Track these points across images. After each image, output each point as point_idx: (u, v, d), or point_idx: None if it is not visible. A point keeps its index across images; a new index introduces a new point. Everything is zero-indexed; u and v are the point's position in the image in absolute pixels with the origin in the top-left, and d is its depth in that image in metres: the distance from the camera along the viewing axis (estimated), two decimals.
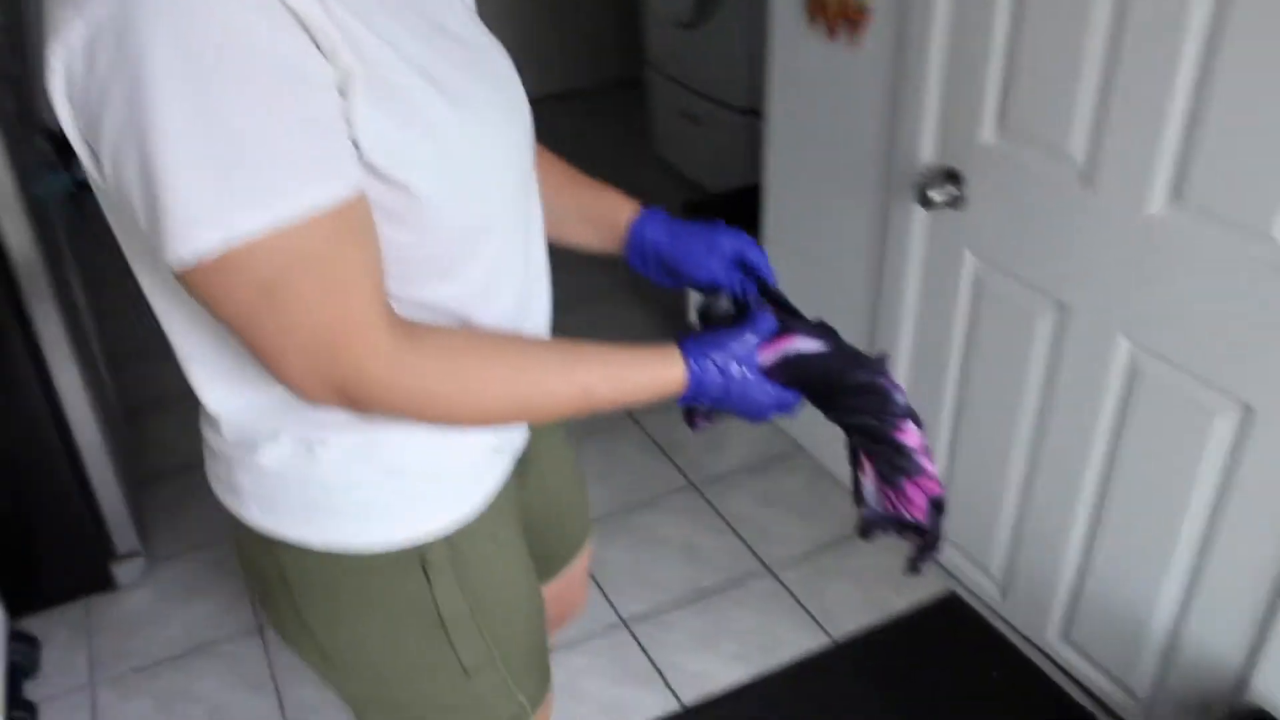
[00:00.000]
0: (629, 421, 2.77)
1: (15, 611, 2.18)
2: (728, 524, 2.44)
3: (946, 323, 2.01)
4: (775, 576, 2.30)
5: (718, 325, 1.03)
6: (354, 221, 0.76)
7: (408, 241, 0.84)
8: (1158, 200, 1.53)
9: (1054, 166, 1.68)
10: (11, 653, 2.08)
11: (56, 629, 2.26)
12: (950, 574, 2.22)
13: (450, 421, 0.88)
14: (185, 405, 1.02)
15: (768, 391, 0.96)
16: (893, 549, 1.19)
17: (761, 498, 2.51)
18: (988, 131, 1.79)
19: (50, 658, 2.20)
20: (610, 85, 4.97)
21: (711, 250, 1.11)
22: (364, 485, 0.96)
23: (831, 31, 2.12)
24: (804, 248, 2.44)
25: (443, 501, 1.00)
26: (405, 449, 0.95)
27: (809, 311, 1.06)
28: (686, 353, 0.94)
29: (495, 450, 1.04)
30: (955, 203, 1.87)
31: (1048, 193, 1.71)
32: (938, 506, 0.98)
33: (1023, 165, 1.74)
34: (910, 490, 0.97)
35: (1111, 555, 1.80)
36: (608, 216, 1.16)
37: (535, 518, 1.21)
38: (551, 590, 1.32)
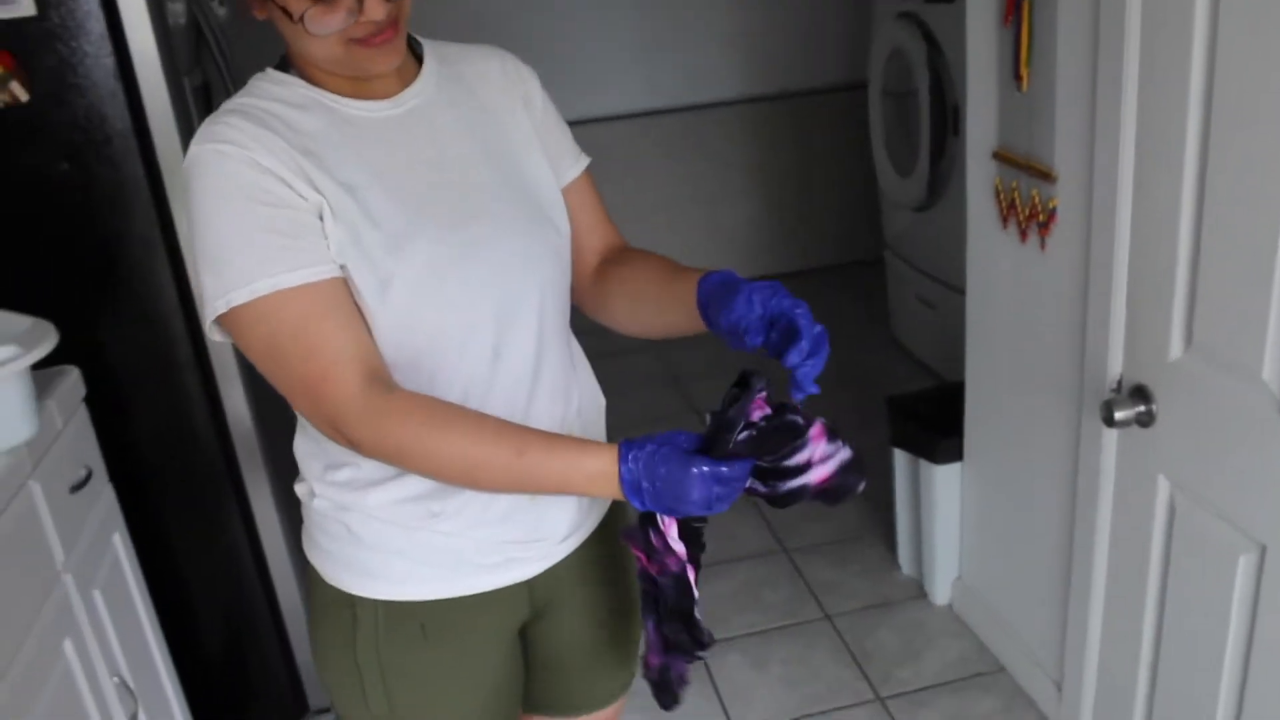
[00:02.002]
0: (825, 625, 2.66)
1: None
2: None
3: (1142, 551, 1.82)
4: None
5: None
6: (324, 300, 1.04)
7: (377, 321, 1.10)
8: None
9: (1246, 391, 1.52)
10: None
11: None
12: None
13: (417, 469, 1.06)
14: None
15: (694, 476, 0.98)
16: None
17: (953, 719, 2.32)
18: (1176, 347, 1.65)
19: None
20: (852, 265, 4.96)
21: (747, 301, 1.10)
22: (331, 534, 1.22)
23: (1024, 234, 2.04)
24: (1002, 453, 2.31)
25: (376, 573, 1.21)
26: (365, 523, 1.19)
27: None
28: (624, 446, 1.01)
29: (458, 561, 1.21)
30: (1145, 420, 1.72)
31: (1241, 419, 1.54)
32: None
33: (1213, 387, 1.59)
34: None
35: None
36: (690, 290, 1.18)
37: (550, 658, 1.38)
38: None
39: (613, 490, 1.01)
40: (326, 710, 2.45)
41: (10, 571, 1.48)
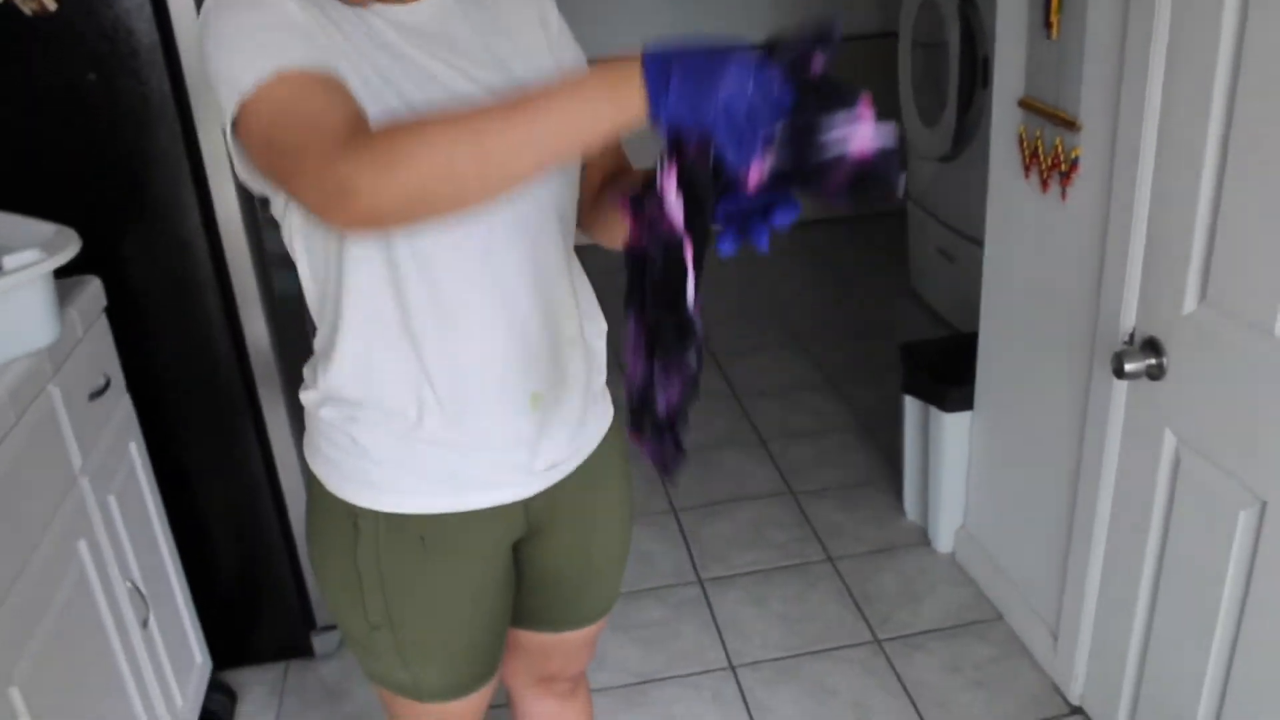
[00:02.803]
0: (827, 567, 2.70)
1: (220, 664, 2.37)
2: (904, 688, 2.30)
3: (1145, 505, 1.84)
4: None
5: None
6: (311, 85, 0.99)
7: None
8: None
9: (1258, 346, 1.52)
10: (210, 701, 2.26)
11: (254, 686, 2.44)
12: None
13: (426, 168, 0.90)
14: None
15: (733, 58, 0.85)
16: None
17: (948, 664, 2.35)
18: (1190, 300, 1.65)
19: (244, 711, 2.37)
20: (874, 216, 4.94)
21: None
22: (337, 444, 1.24)
23: (1045, 184, 2.03)
24: (1012, 403, 2.32)
25: (379, 485, 1.23)
26: (370, 434, 1.21)
27: None
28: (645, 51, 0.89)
29: (454, 480, 1.23)
30: (1155, 373, 1.73)
31: (1251, 374, 1.55)
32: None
33: (1225, 341, 1.59)
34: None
35: None
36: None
37: (543, 573, 1.41)
38: (544, 642, 1.51)
39: (634, 81, 0.86)
40: (333, 627, 2.50)
41: (29, 472, 1.52)
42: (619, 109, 0.87)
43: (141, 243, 2.04)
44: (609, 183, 1.30)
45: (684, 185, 0.90)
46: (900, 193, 0.89)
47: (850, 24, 4.76)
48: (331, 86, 1.01)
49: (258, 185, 1.13)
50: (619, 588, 1.51)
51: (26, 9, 1.89)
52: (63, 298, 1.69)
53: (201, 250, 2.07)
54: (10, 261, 1.48)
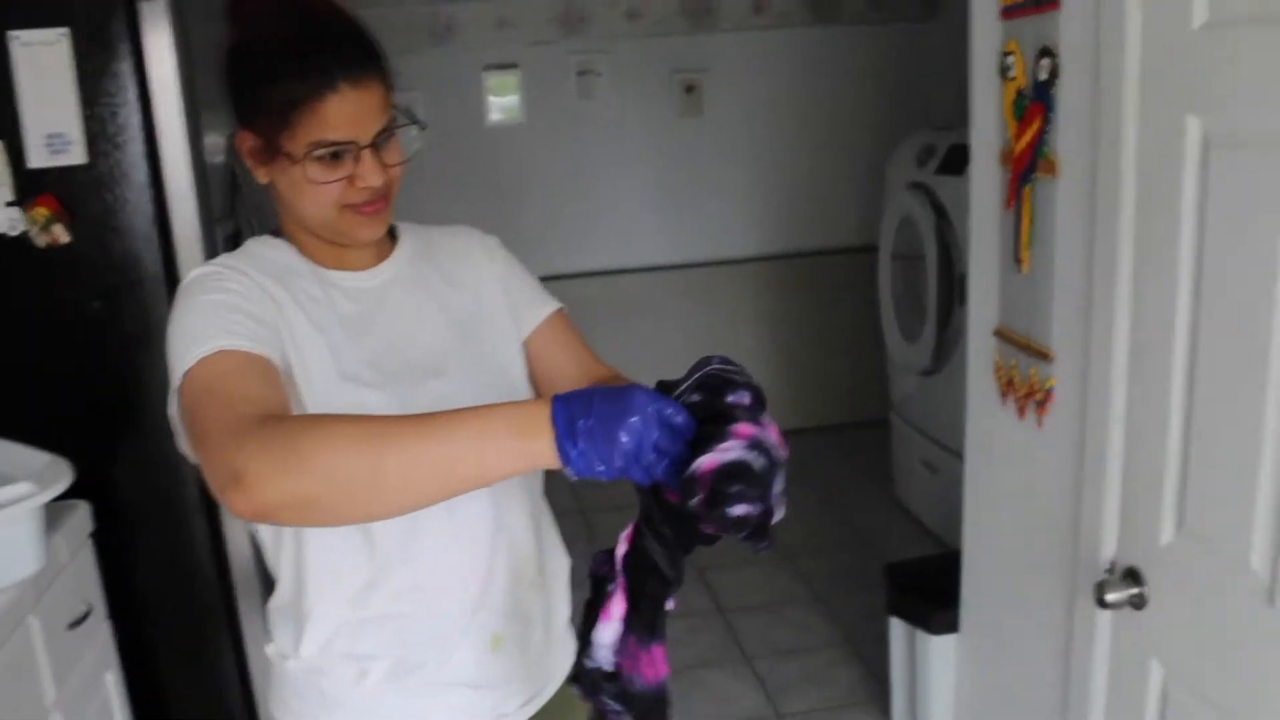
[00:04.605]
0: None
1: None
2: None
3: None
4: None
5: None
6: (259, 367, 1.05)
7: None
8: None
9: (1235, 578, 1.53)
10: None
11: None
12: None
13: (315, 467, 0.89)
14: None
15: (636, 397, 0.88)
16: None
17: None
18: (1167, 531, 1.67)
19: None
20: (858, 425, 5.00)
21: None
22: (305, 697, 1.23)
23: (1021, 411, 2.08)
24: (998, 626, 2.30)
25: None
26: (338, 687, 1.20)
27: None
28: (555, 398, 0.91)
29: None
30: (1138, 603, 1.73)
31: (1230, 606, 1.55)
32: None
33: (1203, 573, 1.60)
34: None
35: None
36: None
37: None
38: None
39: (541, 428, 0.88)
40: None
41: None
42: (524, 454, 0.89)
43: (131, 465, 2.07)
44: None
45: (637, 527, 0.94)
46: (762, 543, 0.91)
47: (833, 238, 4.97)
48: (266, 373, 1.06)
49: (193, 459, 1.12)
50: None
51: (41, 241, 1.97)
52: (50, 524, 1.70)
53: (189, 471, 2.08)
54: (2, 494, 1.49)
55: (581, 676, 0.96)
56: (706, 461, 0.87)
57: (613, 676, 0.95)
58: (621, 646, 0.94)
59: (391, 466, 0.88)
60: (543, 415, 0.88)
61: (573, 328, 1.37)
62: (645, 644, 0.94)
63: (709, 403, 0.91)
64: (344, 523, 1.05)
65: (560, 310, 1.37)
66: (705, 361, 0.95)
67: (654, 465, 0.88)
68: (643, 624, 0.94)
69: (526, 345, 1.33)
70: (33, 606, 1.60)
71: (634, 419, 0.86)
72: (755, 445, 0.88)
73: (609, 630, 0.94)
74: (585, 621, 0.96)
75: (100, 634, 1.88)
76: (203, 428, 0.99)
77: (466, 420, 0.90)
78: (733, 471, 0.87)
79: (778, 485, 0.90)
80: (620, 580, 0.94)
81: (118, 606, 1.98)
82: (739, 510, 0.87)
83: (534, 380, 1.34)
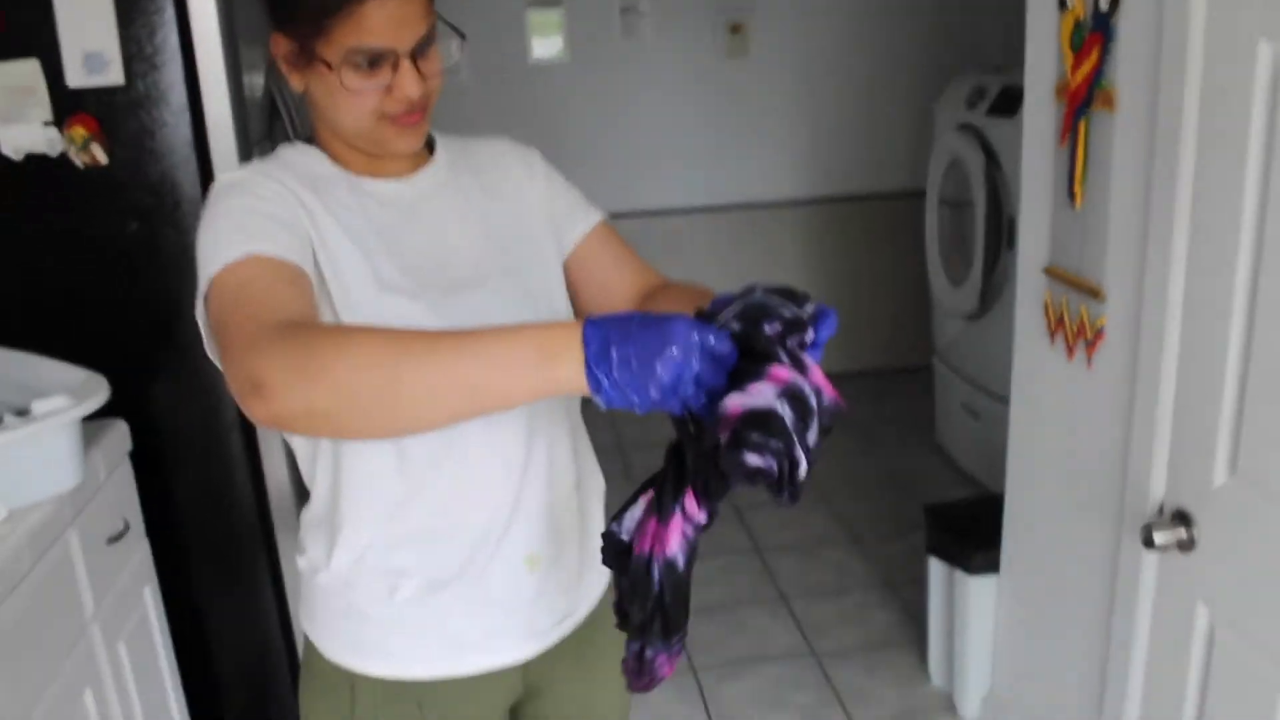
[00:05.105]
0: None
1: None
2: None
3: (1179, 681, 1.77)
4: None
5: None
6: (274, 274, 1.02)
7: None
8: None
9: None
10: None
11: None
12: None
13: (333, 380, 0.87)
14: None
15: (677, 327, 0.84)
16: None
17: None
18: (1220, 474, 1.63)
19: None
20: (901, 371, 4.95)
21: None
22: (335, 610, 1.23)
23: (1070, 351, 2.03)
24: (1039, 568, 2.27)
25: (377, 651, 1.22)
26: (368, 600, 1.20)
27: None
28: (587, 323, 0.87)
29: (453, 644, 1.22)
30: (1186, 546, 1.69)
31: None
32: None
33: (1257, 516, 1.56)
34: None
35: None
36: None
37: None
38: None
39: (571, 353, 0.84)
40: None
41: (40, 619, 1.51)
42: (550, 379, 0.85)
43: (169, 386, 2.07)
44: (650, 300, 1.28)
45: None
46: (790, 476, 0.85)
47: (878, 182, 4.89)
48: (295, 280, 1.03)
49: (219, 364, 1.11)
50: None
51: (80, 161, 1.96)
52: (88, 441, 1.71)
53: (226, 391, 2.08)
54: (39, 407, 1.50)
55: (603, 541, 0.96)
56: (733, 403, 0.83)
57: (627, 549, 0.93)
58: (641, 522, 0.93)
59: (407, 383, 0.86)
60: (574, 339, 0.84)
61: (619, 237, 1.35)
62: (664, 522, 0.91)
63: (750, 333, 0.87)
64: (362, 437, 1.03)
65: (605, 220, 1.34)
66: (751, 290, 0.91)
67: (692, 398, 0.84)
68: (663, 505, 0.91)
69: (574, 256, 1.31)
70: (72, 520, 1.61)
71: (673, 349, 0.82)
72: (789, 392, 0.84)
73: (635, 510, 0.94)
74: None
75: (139, 550, 1.90)
76: (228, 333, 0.97)
77: (492, 339, 0.87)
78: (757, 419, 0.82)
79: (811, 436, 0.84)
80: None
81: (156, 525, 1.99)
82: (753, 460, 0.82)
83: (585, 292, 1.31)
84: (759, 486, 0.85)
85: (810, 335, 0.90)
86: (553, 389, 0.86)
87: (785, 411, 0.83)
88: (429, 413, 0.88)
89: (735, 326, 0.87)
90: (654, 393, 0.83)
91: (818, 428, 0.86)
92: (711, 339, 0.84)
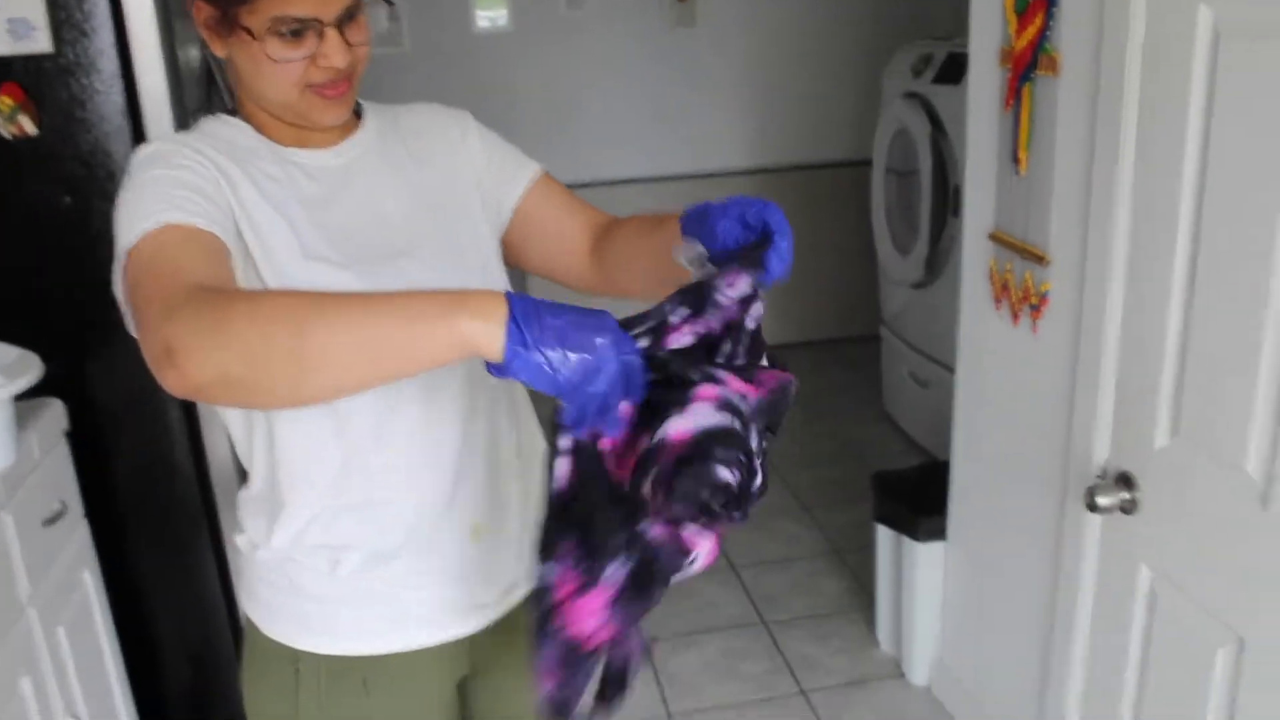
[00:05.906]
0: (801, 700, 2.63)
1: None
2: None
3: (1122, 640, 1.80)
4: None
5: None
6: (190, 242, 0.99)
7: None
8: None
9: (1230, 482, 1.51)
10: None
11: None
12: None
13: (243, 340, 0.84)
14: None
15: (603, 320, 0.82)
16: None
17: None
18: (1162, 435, 1.65)
19: None
20: (848, 340, 4.97)
21: (727, 218, 1.05)
22: (277, 586, 1.21)
23: (1015, 316, 2.05)
24: (985, 534, 2.30)
25: (320, 627, 1.20)
26: (308, 575, 1.18)
27: None
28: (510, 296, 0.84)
29: (398, 618, 1.20)
30: (1129, 508, 1.71)
31: (1224, 509, 1.53)
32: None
33: (1198, 476, 1.58)
34: None
35: None
36: (675, 229, 1.13)
37: (486, 713, 1.37)
38: None
39: (489, 310, 0.81)
40: None
41: None
42: (459, 336, 0.82)
43: (107, 364, 2.02)
44: (607, 237, 1.28)
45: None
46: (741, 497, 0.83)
47: (826, 152, 4.90)
48: (212, 250, 1.00)
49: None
50: None
51: (6, 132, 1.90)
52: (21, 421, 1.66)
53: None
54: None
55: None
56: (677, 428, 0.79)
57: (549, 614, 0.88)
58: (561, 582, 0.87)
59: (313, 344, 0.83)
60: (495, 297, 0.82)
61: (561, 185, 1.34)
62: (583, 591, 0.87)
63: (663, 359, 0.84)
64: (276, 404, 1.00)
65: (544, 171, 1.33)
66: (705, 210, 0.92)
67: (601, 397, 0.81)
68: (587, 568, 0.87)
69: (521, 210, 1.29)
70: (4, 502, 1.57)
71: (603, 340, 0.81)
72: (724, 406, 0.81)
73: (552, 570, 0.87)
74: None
75: (78, 532, 1.85)
76: (141, 302, 0.94)
77: (404, 296, 0.85)
78: (712, 437, 0.80)
79: (754, 442, 0.82)
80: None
81: (97, 507, 1.95)
82: (724, 475, 0.79)
83: (540, 243, 1.30)
84: (704, 515, 0.82)
85: (757, 308, 0.90)
86: (460, 347, 0.82)
87: (735, 424, 0.82)
88: (336, 375, 0.85)
89: (646, 343, 0.85)
90: (574, 363, 0.80)
91: (757, 432, 0.85)
92: (634, 358, 0.83)
